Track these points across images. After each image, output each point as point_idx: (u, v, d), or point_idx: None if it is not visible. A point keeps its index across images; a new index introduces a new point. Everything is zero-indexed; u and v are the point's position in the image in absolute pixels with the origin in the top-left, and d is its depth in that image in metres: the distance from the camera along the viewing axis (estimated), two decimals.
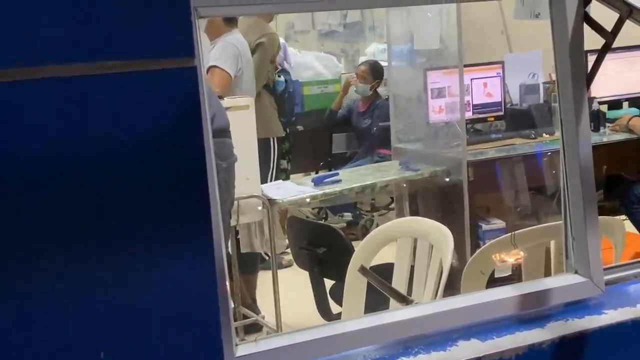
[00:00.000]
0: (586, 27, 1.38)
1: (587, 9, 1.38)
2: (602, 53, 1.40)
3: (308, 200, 3.59)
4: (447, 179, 3.77)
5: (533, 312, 1.37)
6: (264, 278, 3.88)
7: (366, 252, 2.21)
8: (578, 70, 1.39)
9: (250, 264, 3.73)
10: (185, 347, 1.03)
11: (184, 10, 0.99)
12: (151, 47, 0.98)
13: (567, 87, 1.40)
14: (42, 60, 0.93)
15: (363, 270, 1.70)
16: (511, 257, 1.92)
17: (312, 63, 6.00)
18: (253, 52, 4.28)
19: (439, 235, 2.10)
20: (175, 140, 1.00)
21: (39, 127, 0.93)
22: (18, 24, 0.91)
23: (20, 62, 0.92)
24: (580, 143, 1.40)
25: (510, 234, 1.93)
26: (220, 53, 3.81)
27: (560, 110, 1.42)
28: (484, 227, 3.69)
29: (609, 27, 1.37)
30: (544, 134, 4.00)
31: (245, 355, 1.18)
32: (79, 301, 0.97)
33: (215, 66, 3.76)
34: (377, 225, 4.21)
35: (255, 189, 3.36)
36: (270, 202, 3.39)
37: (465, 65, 3.81)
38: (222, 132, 2.89)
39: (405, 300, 1.45)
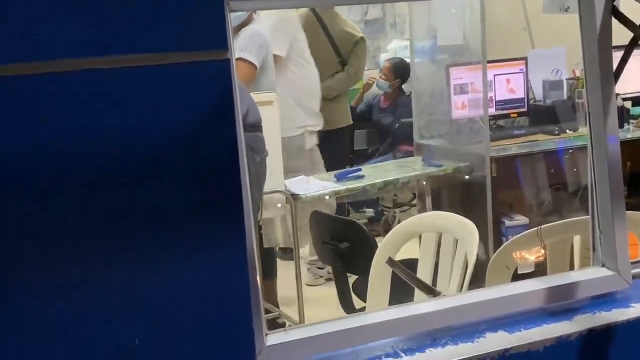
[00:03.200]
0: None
1: (615, 3, 1.38)
2: (630, 47, 1.40)
3: (328, 197, 3.60)
4: (470, 175, 3.77)
5: (560, 305, 1.37)
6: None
7: (390, 246, 2.22)
8: (606, 65, 1.39)
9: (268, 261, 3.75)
10: (219, 336, 1.05)
11: (217, 3, 1.01)
12: (184, 39, 0.99)
13: (595, 81, 1.40)
14: (75, 52, 0.94)
15: (391, 262, 1.71)
16: (532, 255, 1.92)
17: None
18: (355, 44, 4.41)
19: (463, 229, 2.11)
20: (208, 133, 1.02)
21: (72, 120, 0.95)
22: (51, 15, 0.93)
23: (55, 55, 0.94)
24: (608, 137, 1.40)
25: (536, 228, 1.94)
26: (246, 43, 3.66)
27: (587, 104, 1.42)
28: (507, 223, 3.68)
29: (637, 21, 1.37)
30: (568, 130, 3.99)
31: (275, 344, 1.19)
32: (115, 290, 0.99)
33: (240, 58, 3.62)
34: (399, 222, 4.22)
35: (278, 184, 3.38)
36: (293, 197, 3.41)
37: (489, 62, 3.80)
38: (256, 127, 2.92)
39: (432, 292, 1.46)
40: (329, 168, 4.06)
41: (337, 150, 4.57)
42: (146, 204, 0.99)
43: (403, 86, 5.22)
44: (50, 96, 0.94)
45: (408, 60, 4.98)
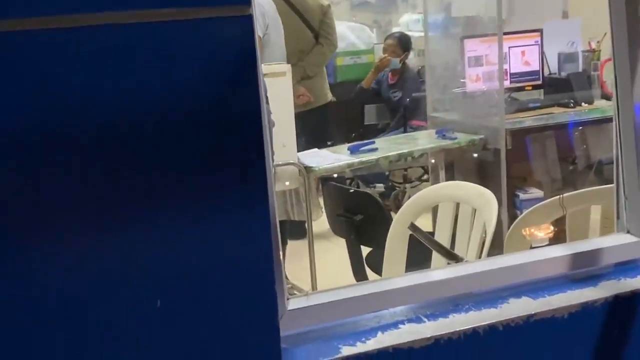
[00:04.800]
0: None
1: None
2: None
3: (342, 169, 3.58)
4: (484, 148, 3.74)
5: (584, 271, 1.35)
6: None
7: (407, 216, 2.19)
8: (634, 27, 1.36)
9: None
10: (241, 299, 1.03)
11: None
12: None
13: (623, 44, 1.37)
14: (97, 7, 0.92)
15: (413, 227, 1.69)
16: (541, 232, 1.89)
17: (344, 33, 5.95)
18: (324, 14, 4.27)
19: (482, 199, 2.08)
20: (231, 91, 0.99)
21: (93, 76, 0.93)
22: None
23: (77, 9, 0.91)
24: (635, 102, 1.37)
25: (558, 196, 1.91)
26: None
27: (615, 68, 1.39)
28: (522, 196, 3.65)
29: None
30: (583, 103, 3.95)
31: (296, 309, 1.18)
32: (139, 252, 0.97)
33: None
34: (409, 197, 4.20)
35: (291, 157, 3.36)
36: (306, 170, 3.39)
37: (504, 33, 3.75)
38: None
39: (454, 257, 1.44)
40: (309, 147, 3.99)
41: (320, 128, 4.54)
42: (169, 163, 0.97)
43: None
44: (70, 51, 0.92)
45: (419, 33, 4.94)
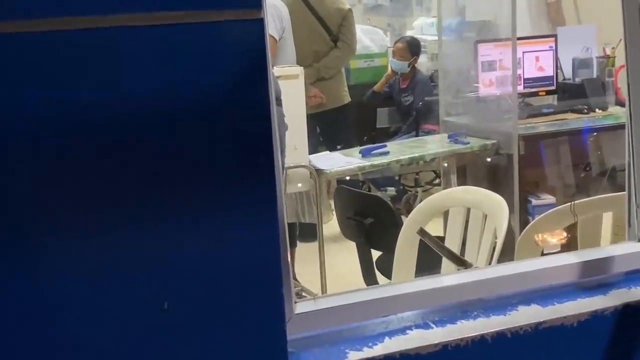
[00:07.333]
0: None
1: None
2: None
3: (353, 172, 3.57)
4: (497, 153, 3.72)
5: (594, 279, 1.34)
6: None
7: (418, 220, 2.19)
8: None
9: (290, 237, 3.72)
10: (248, 302, 1.03)
11: None
12: None
13: (636, 51, 1.36)
14: (106, 9, 0.92)
15: (422, 232, 1.69)
16: (554, 238, 1.89)
17: (358, 36, 5.95)
18: (344, 18, 4.29)
19: (493, 204, 2.07)
20: (241, 94, 0.99)
21: (101, 77, 0.93)
22: None
23: (86, 11, 0.92)
24: None
25: (569, 203, 1.90)
26: None
27: (628, 75, 1.38)
28: (534, 202, 3.63)
29: None
30: (597, 109, 3.93)
31: (304, 312, 1.18)
32: (146, 254, 0.97)
33: None
34: (421, 201, 4.19)
35: (303, 159, 3.36)
36: (317, 173, 3.39)
37: (518, 38, 3.73)
38: (276, 100, 2.88)
39: (464, 263, 1.43)
40: (330, 148, 4.03)
41: (337, 129, 4.54)
42: (178, 165, 0.98)
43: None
44: (80, 53, 0.92)
45: (433, 37, 4.91)
